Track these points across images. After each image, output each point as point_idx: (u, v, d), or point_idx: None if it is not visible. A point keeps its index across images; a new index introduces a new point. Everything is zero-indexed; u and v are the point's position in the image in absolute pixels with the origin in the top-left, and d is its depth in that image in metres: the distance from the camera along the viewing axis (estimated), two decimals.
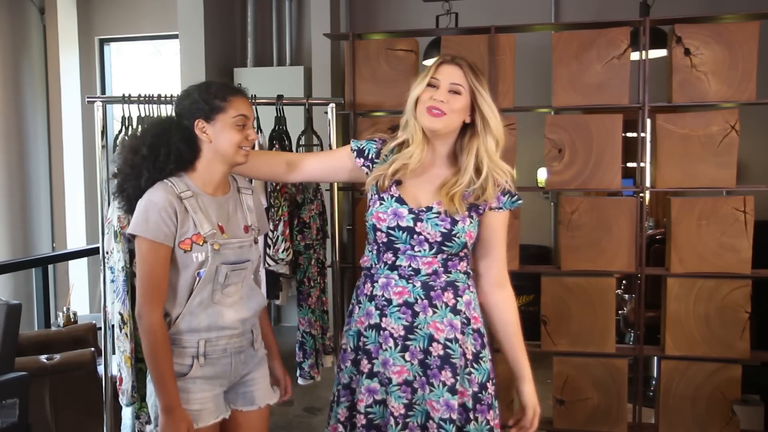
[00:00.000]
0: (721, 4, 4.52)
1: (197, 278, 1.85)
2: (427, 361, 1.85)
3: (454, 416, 1.82)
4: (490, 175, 1.88)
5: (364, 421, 1.89)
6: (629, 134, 3.56)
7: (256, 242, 1.97)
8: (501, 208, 1.93)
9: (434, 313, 1.86)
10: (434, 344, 1.85)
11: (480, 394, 1.88)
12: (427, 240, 1.86)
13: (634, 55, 2.88)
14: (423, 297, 1.87)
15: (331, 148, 2.83)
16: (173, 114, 1.95)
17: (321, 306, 2.78)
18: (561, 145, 2.87)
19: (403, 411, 1.84)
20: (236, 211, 1.95)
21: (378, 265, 1.92)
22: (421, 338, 1.86)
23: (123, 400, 2.58)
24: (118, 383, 2.60)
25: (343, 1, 5.26)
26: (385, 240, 1.89)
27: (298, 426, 2.09)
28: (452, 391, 1.83)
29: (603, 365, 2.89)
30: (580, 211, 2.86)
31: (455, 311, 1.88)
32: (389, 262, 1.89)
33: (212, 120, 1.87)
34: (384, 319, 1.88)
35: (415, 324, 1.86)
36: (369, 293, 1.92)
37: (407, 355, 1.85)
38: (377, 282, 1.91)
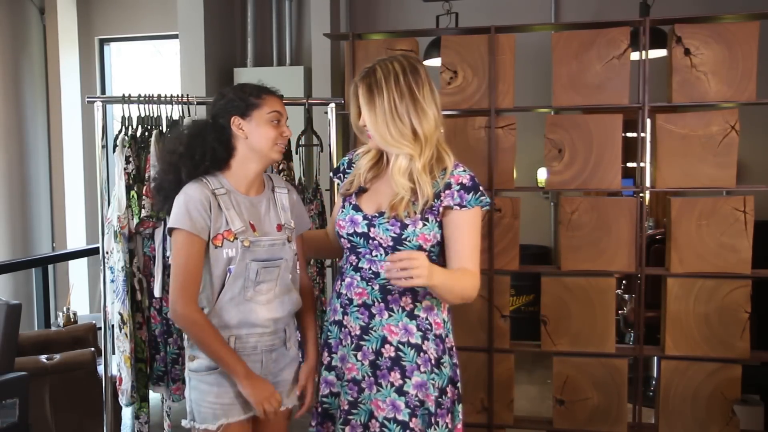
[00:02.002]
0: (721, 4, 4.51)
1: (228, 274, 1.89)
2: (377, 362, 1.88)
3: (399, 416, 1.84)
4: (418, 188, 1.85)
5: (320, 409, 1.98)
6: (629, 134, 3.56)
7: (289, 241, 1.98)
8: (465, 207, 1.86)
9: (390, 316, 1.88)
10: (387, 346, 1.88)
11: (440, 399, 1.89)
12: (381, 245, 1.88)
13: (634, 55, 2.88)
14: (380, 300, 1.89)
15: (330, 148, 2.84)
16: (209, 116, 2.01)
17: (320, 306, 2.79)
18: (561, 145, 2.87)
19: (347, 407, 1.89)
20: (269, 210, 1.98)
21: (346, 266, 1.97)
22: (374, 340, 1.89)
23: (123, 400, 2.58)
24: (118, 383, 2.60)
25: (343, 1, 5.25)
26: (348, 245, 1.94)
27: (298, 425, 2.09)
28: (400, 392, 1.85)
29: (603, 365, 2.89)
30: (580, 211, 2.86)
31: (412, 316, 1.88)
32: (353, 264, 1.94)
33: (248, 117, 1.93)
34: (346, 317, 1.93)
35: (370, 325, 1.89)
36: (337, 290, 1.98)
37: (359, 355, 1.90)
38: (344, 281, 1.96)
